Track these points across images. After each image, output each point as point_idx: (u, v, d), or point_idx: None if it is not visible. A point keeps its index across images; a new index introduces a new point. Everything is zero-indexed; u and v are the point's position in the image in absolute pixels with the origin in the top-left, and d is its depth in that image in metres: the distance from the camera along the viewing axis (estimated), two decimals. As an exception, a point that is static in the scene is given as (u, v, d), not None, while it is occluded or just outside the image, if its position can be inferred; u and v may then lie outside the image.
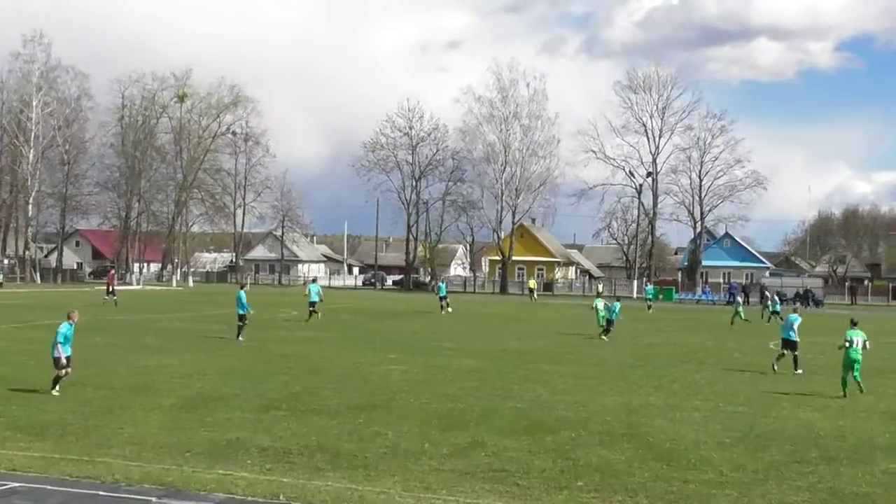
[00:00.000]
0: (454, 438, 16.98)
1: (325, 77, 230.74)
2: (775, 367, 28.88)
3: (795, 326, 29.04)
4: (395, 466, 14.67)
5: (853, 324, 25.36)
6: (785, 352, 29.16)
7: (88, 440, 16.10)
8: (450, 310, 58.88)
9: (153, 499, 12.43)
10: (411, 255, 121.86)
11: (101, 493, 12.65)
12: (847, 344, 24.52)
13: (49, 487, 12.83)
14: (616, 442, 17.14)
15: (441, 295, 61.92)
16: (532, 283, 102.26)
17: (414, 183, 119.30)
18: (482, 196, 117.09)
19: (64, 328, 21.06)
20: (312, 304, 46.51)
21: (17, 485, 12.95)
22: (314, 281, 52.00)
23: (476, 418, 19.22)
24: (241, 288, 38.49)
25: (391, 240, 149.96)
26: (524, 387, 24.41)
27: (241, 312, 36.34)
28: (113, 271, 74.98)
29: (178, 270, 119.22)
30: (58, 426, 17.28)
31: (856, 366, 24.25)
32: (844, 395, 23.89)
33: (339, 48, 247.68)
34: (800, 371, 28.69)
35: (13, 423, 17.34)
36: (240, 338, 35.54)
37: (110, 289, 60.74)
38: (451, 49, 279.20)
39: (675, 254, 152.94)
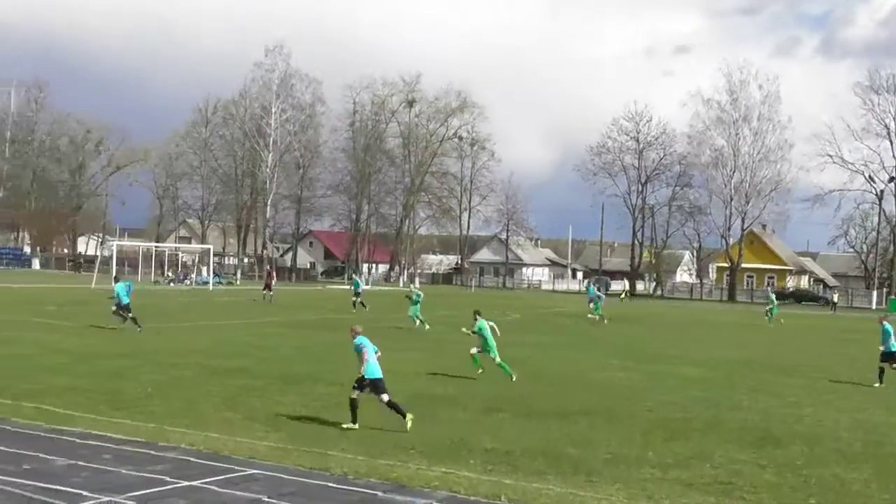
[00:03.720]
0: (678, 448, 16.73)
1: (550, 81, 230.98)
2: None
3: None
4: (618, 473, 14.57)
5: None
6: None
7: (320, 433, 16.67)
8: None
9: (379, 493, 12.74)
10: (636, 261, 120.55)
11: (331, 484, 13.07)
12: None
13: (284, 476, 13.36)
14: (853, 460, 16.35)
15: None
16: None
17: (640, 187, 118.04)
18: (710, 201, 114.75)
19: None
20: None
21: (256, 472, 13.58)
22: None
23: (701, 428, 18.87)
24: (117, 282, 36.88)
25: (616, 245, 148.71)
26: (752, 397, 23.78)
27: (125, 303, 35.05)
28: (271, 269, 77.06)
29: (405, 272, 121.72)
30: (292, 418, 17.98)
31: None
32: None
33: (563, 52, 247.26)
34: None
35: (252, 414, 18.15)
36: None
37: (269, 286, 62.42)
38: (679, 53, 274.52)
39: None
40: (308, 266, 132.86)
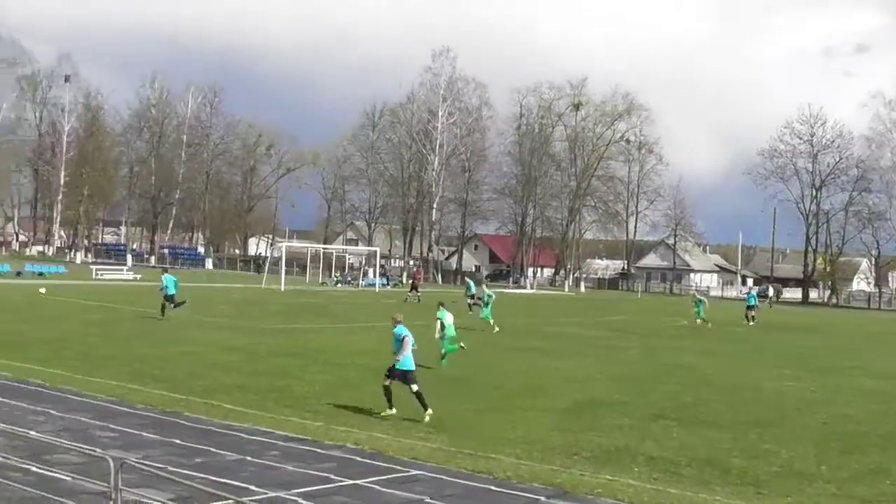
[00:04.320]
0: (854, 463, 16.06)
1: (720, 83, 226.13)
2: None
3: None
4: (789, 487, 14.08)
5: None
6: None
7: (482, 436, 16.63)
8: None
9: (542, 498, 12.62)
10: (810, 268, 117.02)
11: (493, 488, 13.01)
12: None
13: (446, 478, 13.36)
14: None
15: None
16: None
17: (814, 192, 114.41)
18: (889, 207, 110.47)
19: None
20: None
21: (419, 473, 13.61)
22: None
23: (880, 443, 18.07)
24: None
25: (788, 251, 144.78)
26: (932, 412, 22.72)
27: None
28: (419, 270, 77.28)
29: (570, 276, 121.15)
30: (455, 421, 17.99)
31: None
32: None
33: (733, 54, 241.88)
34: None
35: (416, 415, 18.22)
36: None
37: (415, 286, 62.80)
38: (859, 52, 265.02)
39: None
40: (473, 269, 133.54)
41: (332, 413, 18.08)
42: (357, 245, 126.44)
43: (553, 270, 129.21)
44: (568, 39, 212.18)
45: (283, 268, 74.96)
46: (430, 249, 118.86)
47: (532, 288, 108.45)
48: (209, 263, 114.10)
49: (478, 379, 24.19)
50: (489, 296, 41.74)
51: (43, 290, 40.51)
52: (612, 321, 50.45)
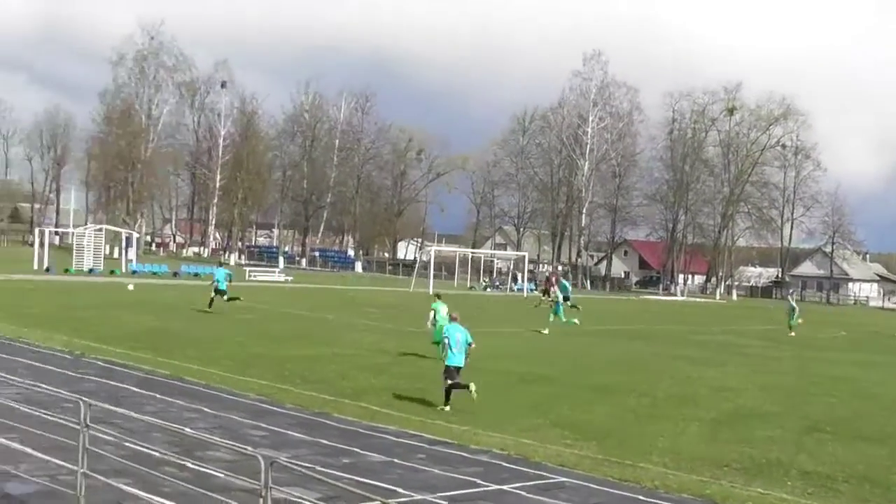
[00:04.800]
0: None
1: (880, 84, 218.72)
2: None
3: None
4: (953, 506, 13.51)
5: None
6: None
7: (630, 445, 16.42)
8: None
9: (691, 509, 12.41)
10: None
11: (640, 497, 12.83)
12: None
13: (593, 486, 13.23)
14: None
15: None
16: None
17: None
18: None
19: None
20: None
21: (565, 480, 13.51)
22: None
23: None
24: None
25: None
26: None
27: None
28: (551, 275, 76.56)
29: (722, 283, 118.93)
30: (603, 429, 17.81)
31: None
32: None
33: (894, 51, 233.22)
34: None
35: (563, 422, 18.11)
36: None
37: (547, 291, 62.24)
38: None
39: None
40: (622, 275, 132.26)
41: (479, 417, 18.07)
42: (505, 250, 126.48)
43: (704, 278, 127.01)
44: (722, 44, 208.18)
45: (432, 272, 75.50)
46: (578, 255, 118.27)
47: (682, 295, 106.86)
48: (359, 267, 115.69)
49: (626, 386, 23.89)
50: (557, 295, 42.43)
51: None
52: (764, 330, 49.28)
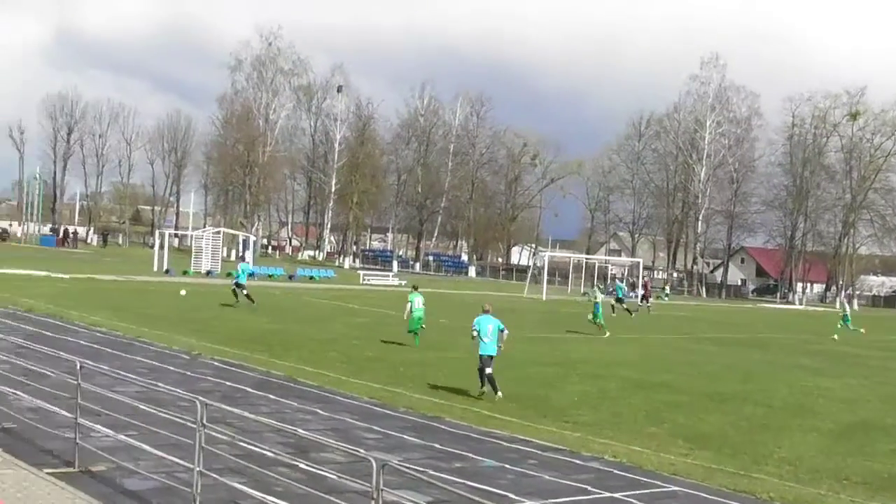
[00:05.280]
0: None
1: None
2: None
3: None
4: None
5: None
6: None
7: (745, 455, 16.13)
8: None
9: (809, 523, 12.12)
10: None
11: (757, 509, 12.60)
12: None
13: (706, 496, 13.03)
14: None
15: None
16: None
17: None
18: None
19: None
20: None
21: (678, 489, 13.33)
22: None
23: None
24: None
25: None
26: None
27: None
28: (648, 280, 75.78)
29: (842, 292, 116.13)
30: (717, 438, 17.53)
31: None
32: None
33: None
34: None
35: (677, 431, 17.88)
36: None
37: (646, 297, 62.93)
38: None
39: None
40: (738, 283, 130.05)
41: (591, 424, 17.95)
42: (620, 256, 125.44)
43: (823, 286, 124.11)
44: (846, 46, 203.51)
45: (545, 277, 75.27)
46: (694, 262, 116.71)
47: (801, 304, 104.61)
48: (472, 271, 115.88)
49: (741, 395, 23.49)
50: (595, 295, 41.72)
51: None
52: (886, 340, 47.96)
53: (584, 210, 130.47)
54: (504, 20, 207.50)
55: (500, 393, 19.89)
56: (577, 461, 14.75)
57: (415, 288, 31.26)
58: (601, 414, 19.31)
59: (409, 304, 29.67)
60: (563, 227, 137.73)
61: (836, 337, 46.63)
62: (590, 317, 40.26)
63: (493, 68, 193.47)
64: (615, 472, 14.17)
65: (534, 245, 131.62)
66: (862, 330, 49.16)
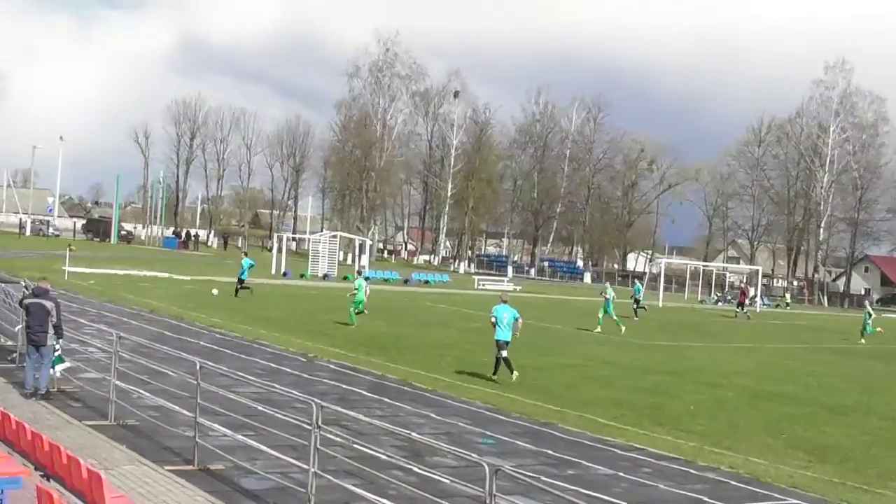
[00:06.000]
0: None
1: None
2: None
3: None
4: None
5: None
6: None
7: (868, 469, 15.70)
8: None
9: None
10: None
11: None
12: None
13: (827, 511, 12.73)
14: None
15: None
16: None
17: None
18: None
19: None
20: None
21: (796, 502, 13.03)
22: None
23: None
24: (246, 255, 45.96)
25: None
26: None
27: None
28: (745, 286, 74.12)
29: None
30: (838, 451, 17.11)
31: None
32: None
33: None
34: None
35: (796, 442, 17.50)
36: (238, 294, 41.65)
37: (742, 303, 62.15)
38: None
39: None
40: (861, 292, 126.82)
41: (707, 434, 17.67)
42: (738, 263, 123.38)
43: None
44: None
45: (662, 283, 74.52)
46: (815, 270, 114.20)
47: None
48: (587, 277, 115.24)
49: (864, 407, 22.89)
50: (611, 293, 40.97)
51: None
52: None
53: (701, 216, 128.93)
54: (620, 24, 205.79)
55: (515, 373, 22.05)
56: (693, 471, 14.53)
57: (359, 273, 36.94)
58: (717, 423, 19.00)
59: (354, 289, 33.72)
60: (680, 234, 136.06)
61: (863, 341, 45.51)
62: (600, 314, 39.96)
63: (610, 73, 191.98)
64: (732, 482, 13.92)
65: (650, 251, 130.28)
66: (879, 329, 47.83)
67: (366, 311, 33.81)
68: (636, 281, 55.91)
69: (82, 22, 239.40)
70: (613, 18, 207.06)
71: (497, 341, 22.16)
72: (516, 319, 22.34)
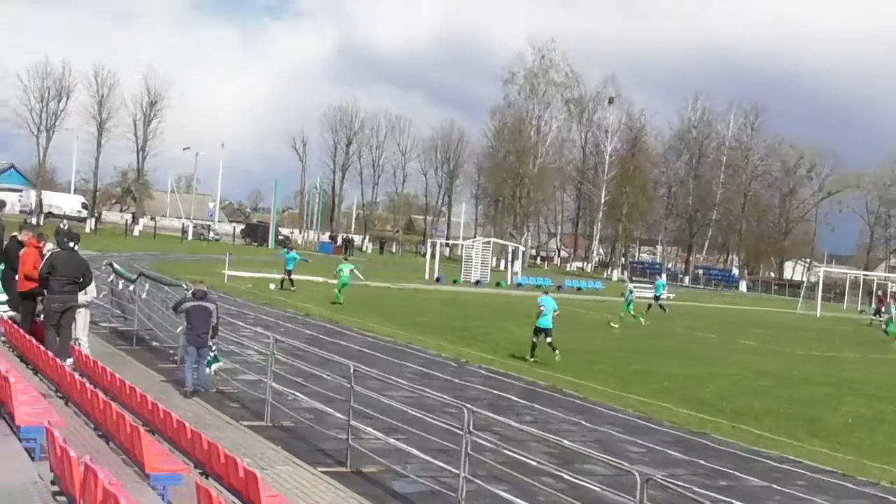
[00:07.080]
0: None
1: None
2: None
3: None
4: None
5: None
6: None
7: None
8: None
9: None
10: None
11: None
12: None
13: None
14: None
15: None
16: None
17: None
18: None
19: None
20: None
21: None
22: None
23: None
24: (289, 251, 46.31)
25: None
26: None
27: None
28: (882, 294, 70.85)
29: None
30: None
31: None
32: None
33: None
34: None
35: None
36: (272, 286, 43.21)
37: (879, 311, 60.17)
38: None
39: None
40: None
41: (866, 448, 17.18)
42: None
43: None
44: None
45: (820, 293, 72.51)
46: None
47: None
48: (743, 286, 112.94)
49: None
50: (630, 291, 42.44)
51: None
52: None
53: (862, 224, 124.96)
54: (779, 27, 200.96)
55: (557, 352, 24.91)
56: (850, 485, 14.16)
57: (345, 259, 43.33)
58: (877, 437, 18.45)
59: (338, 274, 39.13)
60: (840, 242, 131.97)
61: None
62: (621, 313, 40.44)
63: (768, 77, 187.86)
64: (891, 499, 13.53)
65: (808, 260, 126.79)
66: None
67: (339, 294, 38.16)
68: (657, 277, 54.62)
69: (246, 32, 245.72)
70: (769, 17, 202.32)
71: (540, 328, 25.09)
72: (555, 310, 25.24)
